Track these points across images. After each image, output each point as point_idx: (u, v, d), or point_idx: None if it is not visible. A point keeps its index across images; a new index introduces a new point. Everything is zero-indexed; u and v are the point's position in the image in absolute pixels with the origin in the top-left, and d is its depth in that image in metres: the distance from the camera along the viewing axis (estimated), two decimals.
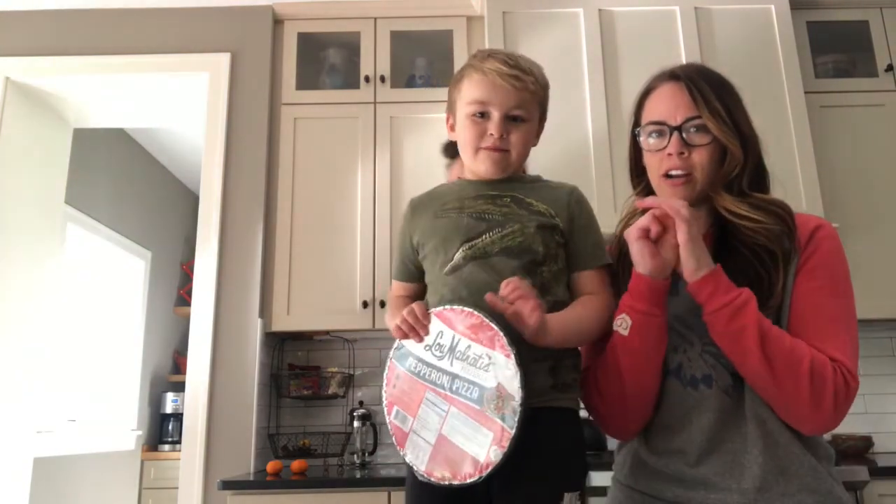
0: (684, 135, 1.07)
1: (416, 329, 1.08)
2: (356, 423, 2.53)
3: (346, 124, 2.69)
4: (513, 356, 0.99)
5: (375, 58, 2.74)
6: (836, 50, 2.80)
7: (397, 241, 1.28)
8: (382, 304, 2.48)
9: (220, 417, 2.45)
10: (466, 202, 1.17)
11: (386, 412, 1.10)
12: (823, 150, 2.55)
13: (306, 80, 2.81)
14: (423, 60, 2.86)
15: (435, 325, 1.07)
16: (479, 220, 1.14)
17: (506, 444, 0.96)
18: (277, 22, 2.82)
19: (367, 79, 2.72)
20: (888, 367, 2.70)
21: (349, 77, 2.83)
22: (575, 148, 2.48)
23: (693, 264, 0.97)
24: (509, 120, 1.16)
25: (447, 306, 1.07)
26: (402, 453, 1.06)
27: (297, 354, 2.75)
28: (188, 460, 2.42)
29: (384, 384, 1.12)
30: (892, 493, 2.02)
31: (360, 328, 2.51)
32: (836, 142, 2.62)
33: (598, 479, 1.93)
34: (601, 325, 1.10)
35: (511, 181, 1.20)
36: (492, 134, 1.15)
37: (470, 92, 1.17)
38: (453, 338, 1.05)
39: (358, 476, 2.24)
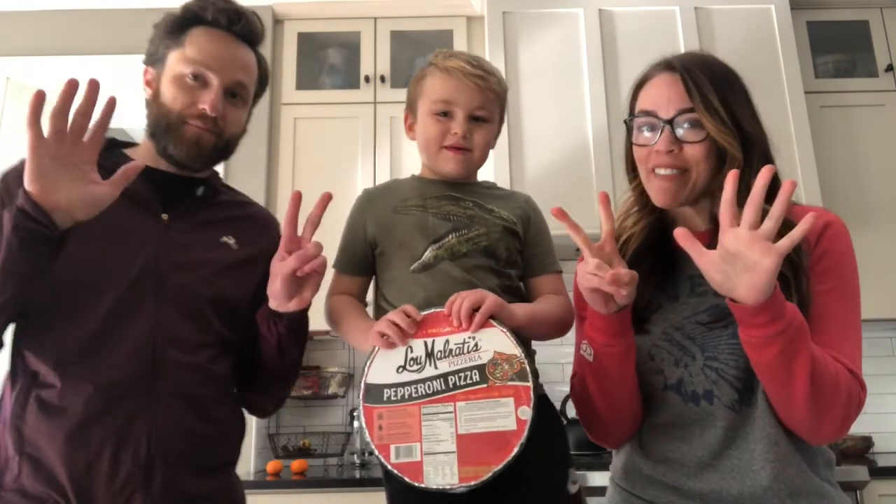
0: (676, 130, 1.00)
1: (406, 332, 1.02)
2: (356, 423, 2.53)
3: (346, 124, 2.69)
4: (494, 322, 1.02)
5: (375, 58, 2.74)
6: (836, 50, 2.80)
7: (346, 232, 1.24)
8: None
9: None
10: (429, 201, 1.17)
11: (383, 459, 0.99)
12: (823, 150, 2.55)
13: (306, 80, 2.81)
14: (423, 60, 2.83)
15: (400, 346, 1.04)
16: (445, 220, 1.15)
17: (530, 396, 0.98)
18: (277, 22, 2.82)
19: (367, 79, 2.72)
20: (888, 367, 2.70)
21: (349, 77, 2.83)
22: (575, 148, 2.48)
23: (762, 292, 0.82)
24: (472, 120, 1.16)
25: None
26: (424, 487, 0.97)
27: None
28: None
29: (366, 433, 1.01)
30: (892, 493, 2.02)
31: None
32: (836, 142, 2.62)
33: (598, 479, 1.93)
34: (565, 321, 1.14)
35: (470, 186, 1.21)
36: (455, 133, 1.15)
37: (433, 90, 1.17)
38: (427, 344, 1.03)
39: (358, 476, 2.24)
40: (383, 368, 1.03)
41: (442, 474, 0.97)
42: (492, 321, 1.02)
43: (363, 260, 1.21)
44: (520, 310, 1.08)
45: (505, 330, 1.01)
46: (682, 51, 2.54)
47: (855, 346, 0.95)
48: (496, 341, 1.01)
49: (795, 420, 0.92)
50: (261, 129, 2.69)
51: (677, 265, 1.05)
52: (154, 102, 1.13)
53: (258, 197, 2.62)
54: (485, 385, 0.99)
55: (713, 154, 0.99)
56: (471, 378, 1.00)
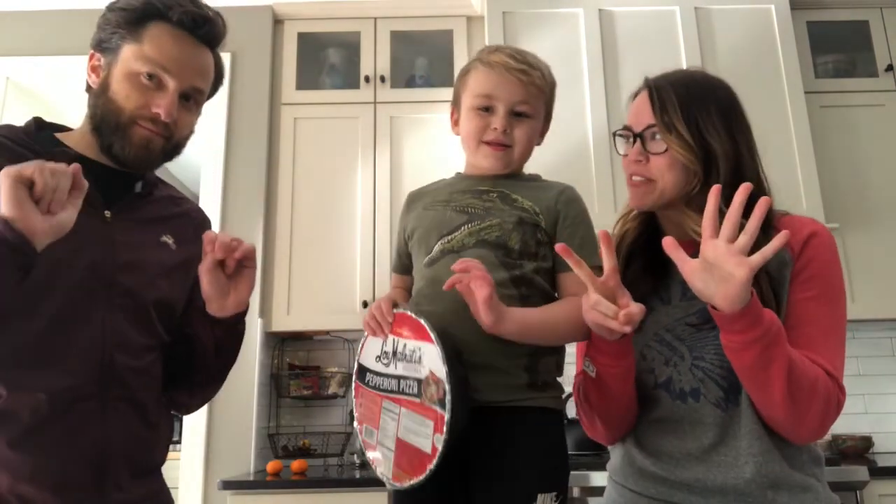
0: (646, 143, 1.07)
1: (382, 325, 1.08)
2: (356, 424, 2.53)
3: (346, 124, 2.69)
4: (434, 339, 0.99)
5: (375, 58, 2.74)
6: (836, 50, 2.80)
7: (397, 233, 1.29)
8: None
9: (220, 417, 2.44)
10: (454, 196, 1.18)
11: (358, 433, 1.12)
12: (823, 150, 2.55)
13: (306, 80, 2.81)
14: (423, 60, 2.86)
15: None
16: (461, 213, 1.15)
17: (443, 428, 0.95)
18: (277, 22, 2.82)
19: (367, 79, 2.72)
20: (888, 367, 2.69)
21: (349, 77, 2.83)
22: (575, 148, 2.48)
23: (736, 301, 0.87)
24: (514, 115, 1.15)
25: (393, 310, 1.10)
26: (372, 469, 1.07)
27: (297, 354, 2.75)
28: (188, 460, 2.42)
29: (354, 407, 1.13)
30: (892, 493, 2.02)
31: (360, 328, 2.49)
32: (836, 142, 2.62)
33: (598, 479, 1.93)
34: (575, 326, 1.05)
35: (505, 177, 1.19)
36: (495, 128, 1.14)
37: (476, 85, 1.17)
38: (394, 342, 1.06)
39: (358, 476, 2.24)
40: (369, 352, 1.12)
41: (384, 467, 1.05)
42: (433, 337, 0.99)
43: (407, 258, 1.24)
44: (512, 323, 1.01)
45: (442, 350, 0.98)
46: (683, 50, 2.57)
47: (836, 350, 0.99)
48: (432, 359, 0.99)
49: (776, 420, 0.96)
50: (261, 129, 2.70)
51: (669, 271, 1.09)
52: (102, 95, 1.05)
53: (258, 197, 2.63)
54: (418, 400, 1.00)
55: (677, 165, 1.05)
56: (412, 389, 1.02)
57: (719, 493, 0.97)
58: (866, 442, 2.42)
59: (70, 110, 3.02)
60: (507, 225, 1.12)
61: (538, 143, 1.23)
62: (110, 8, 1.07)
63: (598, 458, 2.20)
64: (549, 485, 1.04)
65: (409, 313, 1.04)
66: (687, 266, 0.91)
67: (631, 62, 2.55)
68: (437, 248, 1.14)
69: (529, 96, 1.15)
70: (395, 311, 1.07)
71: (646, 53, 2.55)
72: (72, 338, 0.98)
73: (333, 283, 2.53)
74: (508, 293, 1.08)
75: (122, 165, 1.08)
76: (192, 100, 1.10)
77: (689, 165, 1.03)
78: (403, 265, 1.26)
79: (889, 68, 2.68)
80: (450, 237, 1.13)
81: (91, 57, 1.08)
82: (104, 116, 1.05)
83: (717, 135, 1.04)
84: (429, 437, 0.97)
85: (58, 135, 1.10)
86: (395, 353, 1.05)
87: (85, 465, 0.96)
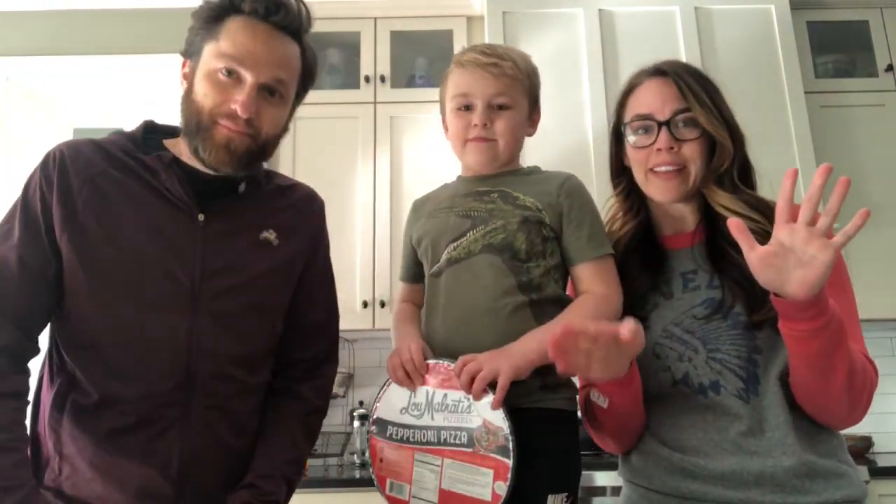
0: (673, 129, 1.05)
1: (413, 378, 1.07)
2: (356, 423, 2.53)
3: (346, 124, 2.68)
4: (489, 389, 1.00)
5: (375, 58, 2.74)
6: (836, 50, 2.80)
7: (404, 242, 1.28)
8: (383, 304, 2.48)
9: None
10: (456, 200, 1.18)
11: (380, 490, 1.07)
12: (823, 150, 2.55)
13: None
14: (423, 60, 2.86)
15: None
16: (465, 217, 1.14)
17: (507, 475, 0.97)
18: None
19: (367, 79, 2.72)
20: (888, 367, 2.69)
21: (349, 77, 2.82)
22: (575, 148, 2.49)
23: (815, 286, 0.84)
24: (493, 108, 1.15)
25: None
26: None
27: None
28: None
29: (370, 464, 1.09)
30: (892, 493, 2.02)
31: (360, 328, 2.51)
32: (836, 142, 2.63)
33: (601, 478, 1.93)
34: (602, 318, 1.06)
35: (503, 175, 1.19)
36: (475, 124, 1.14)
37: (453, 87, 1.18)
38: (428, 393, 1.05)
39: (358, 476, 2.24)
40: (391, 404, 1.09)
41: None
42: (488, 388, 1.00)
43: (416, 267, 1.23)
44: (534, 355, 1.02)
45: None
46: (683, 50, 2.57)
47: (860, 333, 1.00)
48: (487, 410, 1.00)
49: (832, 408, 0.95)
50: None
51: (668, 264, 1.09)
52: (186, 98, 1.04)
53: None
54: (470, 450, 1.00)
55: (706, 150, 1.06)
56: (459, 439, 1.01)
57: (755, 485, 0.94)
58: (866, 442, 2.42)
59: (70, 110, 3.01)
60: (511, 226, 1.11)
61: (530, 134, 1.22)
62: (193, 13, 1.06)
63: (599, 458, 2.21)
64: (559, 485, 1.05)
65: (444, 363, 1.04)
66: (754, 253, 0.86)
67: (631, 62, 2.53)
68: (443, 256, 1.13)
69: (505, 87, 1.15)
70: (432, 362, 1.06)
71: (646, 53, 2.51)
72: (158, 345, 0.99)
73: None
74: (517, 300, 1.08)
75: (211, 169, 1.05)
76: (276, 94, 1.04)
77: (725, 143, 1.04)
78: (413, 273, 1.25)
79: (889, 68, 2.68)
80: (456, 244, 1.13)
81: (182, 64, 1.07)
82: (188, 119, 1.04)
83: (730, 114, 1.07)
84: (488, 486, 0.98)
85: (166, 141, 1.11)
86: (430, 403, 1.04)
87: (167, 472, 0.97)
